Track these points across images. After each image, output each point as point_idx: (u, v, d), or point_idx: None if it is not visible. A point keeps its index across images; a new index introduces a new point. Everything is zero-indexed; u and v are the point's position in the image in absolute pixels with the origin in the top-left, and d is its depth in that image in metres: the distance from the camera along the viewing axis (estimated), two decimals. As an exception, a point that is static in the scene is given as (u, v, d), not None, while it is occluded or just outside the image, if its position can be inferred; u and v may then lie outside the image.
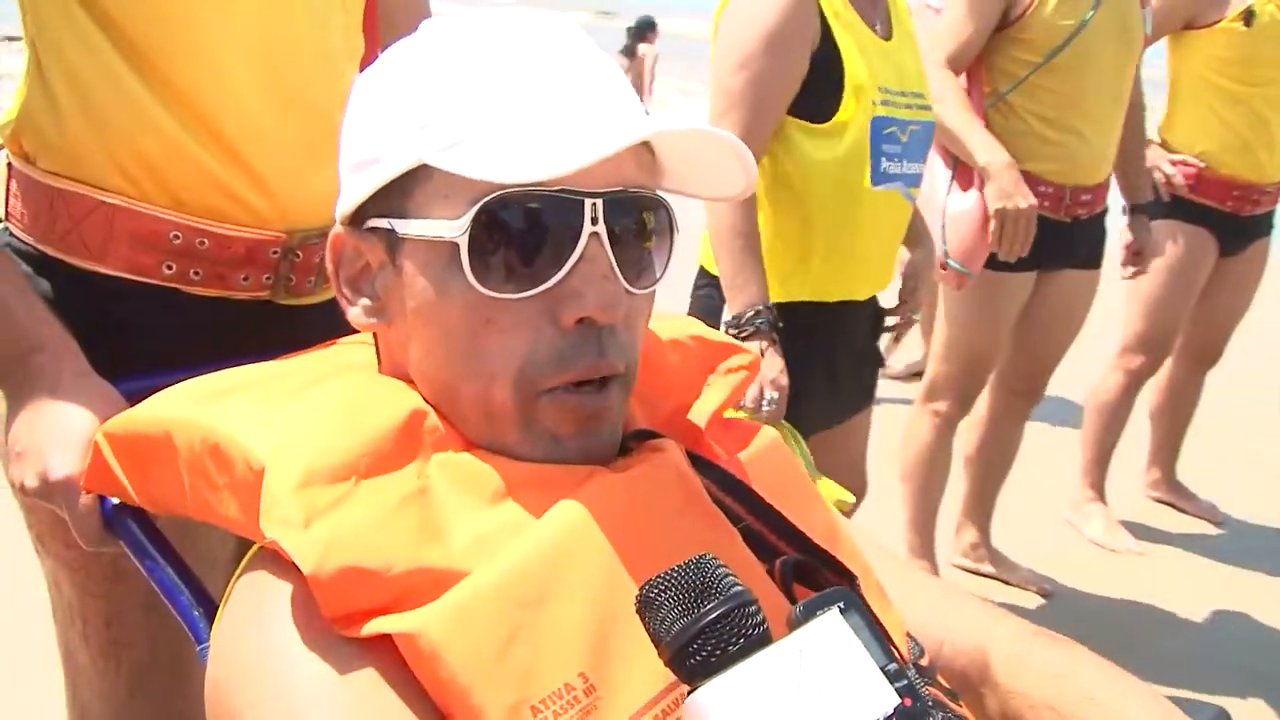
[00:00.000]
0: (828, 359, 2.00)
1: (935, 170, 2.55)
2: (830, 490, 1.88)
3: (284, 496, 0.68)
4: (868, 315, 2.09)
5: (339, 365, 0.89)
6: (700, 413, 0.90)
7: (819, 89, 1.84)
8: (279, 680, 0.68)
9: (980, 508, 3.08)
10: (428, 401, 0.79)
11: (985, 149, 2.44)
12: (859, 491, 2.21)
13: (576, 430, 0.78)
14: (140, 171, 1.07)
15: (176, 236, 1.09)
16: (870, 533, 0.98)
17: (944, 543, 3.05)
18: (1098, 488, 3.46)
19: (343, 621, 0.68)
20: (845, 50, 1.85)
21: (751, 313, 1.80)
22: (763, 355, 1.80)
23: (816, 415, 1.99)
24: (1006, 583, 3.06)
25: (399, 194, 0.78)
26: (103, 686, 1.21)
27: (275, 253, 1.14)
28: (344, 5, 1.18)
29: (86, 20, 1.04)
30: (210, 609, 0.92)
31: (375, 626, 0.67)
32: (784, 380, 1.82)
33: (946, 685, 0.86)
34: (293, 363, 0.90)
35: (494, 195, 0.74)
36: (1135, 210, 2.91)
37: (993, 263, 2.52)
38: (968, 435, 2.99)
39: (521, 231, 0.75)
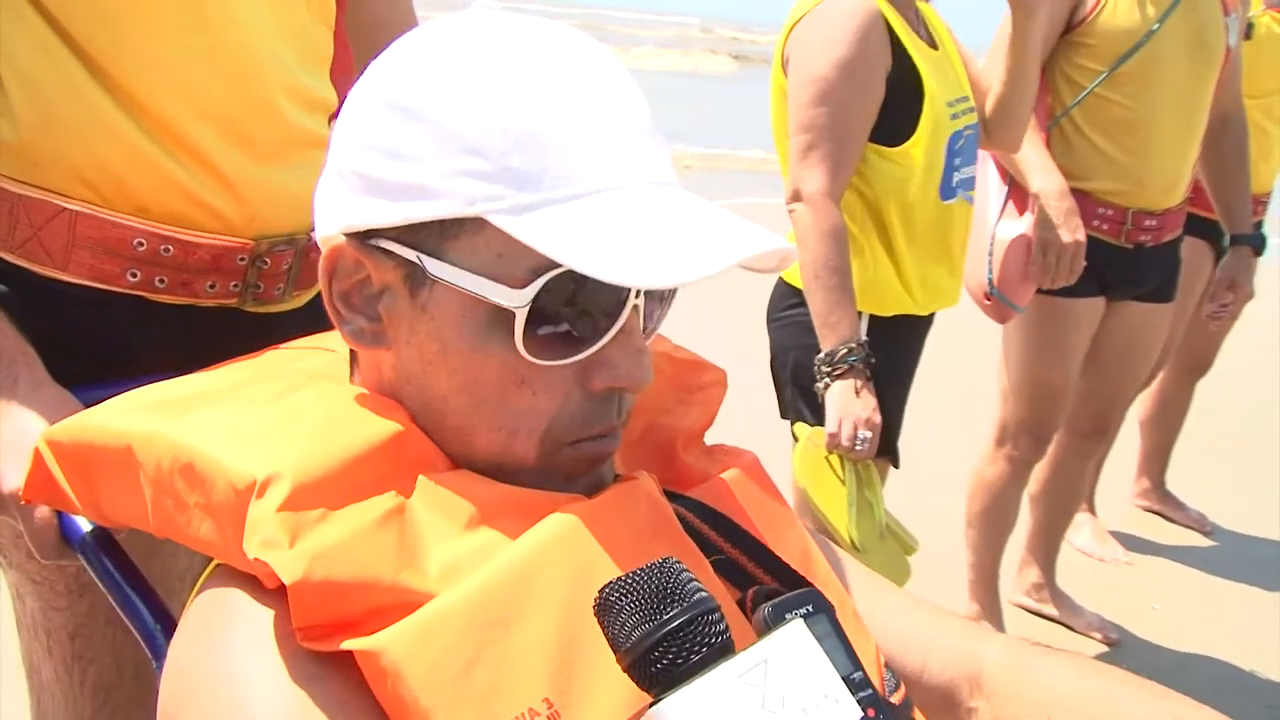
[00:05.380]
0: (906, 377, 2.05)
1: (989, 190, 2.40)
2: (902, 536, 1.90)
3: (268, 518, 0.67)
4: (922, 335, 2.10)
5: (308, 374, 0.86)
6: (675, 433, 0.89)
7: (894, 111, 1.86)
8: (234, 698, 0.66)
9: (1045, 547, 2.92)
10: (414, 419, 0.76)
11: (1041, 173, 2.30)
12: None
13: (588, 470, 0.78)
14: (101, 178, 1.04)
15: (140, 243, 1.07)
16: (848, 556, 0.96)
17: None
18: (1087, 499, 3.44)
19: (310, 633, 0.66)
20: (921, 67, 1.87)
21: (845, 350, 1.81)
22: (857, 394, 1.80)
23: (893, 435, 2.00)
24: (1070, 628, 2.90)
25: (436, 232, 0.73)
26: (67, 701, 1.19)
27: (242, 260, 1.12)
28: (309, 8, 1.15)
29: (41, 25, 1.01)
30: (172, 628, 0.89)
31: (339, 644, 0.66)
32: (878, 419, 1.81)
33: (922, 718, 0.84)
34: (256, 368, 0.87)
35: (559, 272, 0.71)
36: (1235, 241, 2.74)
37: (1056, 287, 2.38)
38: (1034, 474, 2.81)
39: (576, 306, 0.73)
